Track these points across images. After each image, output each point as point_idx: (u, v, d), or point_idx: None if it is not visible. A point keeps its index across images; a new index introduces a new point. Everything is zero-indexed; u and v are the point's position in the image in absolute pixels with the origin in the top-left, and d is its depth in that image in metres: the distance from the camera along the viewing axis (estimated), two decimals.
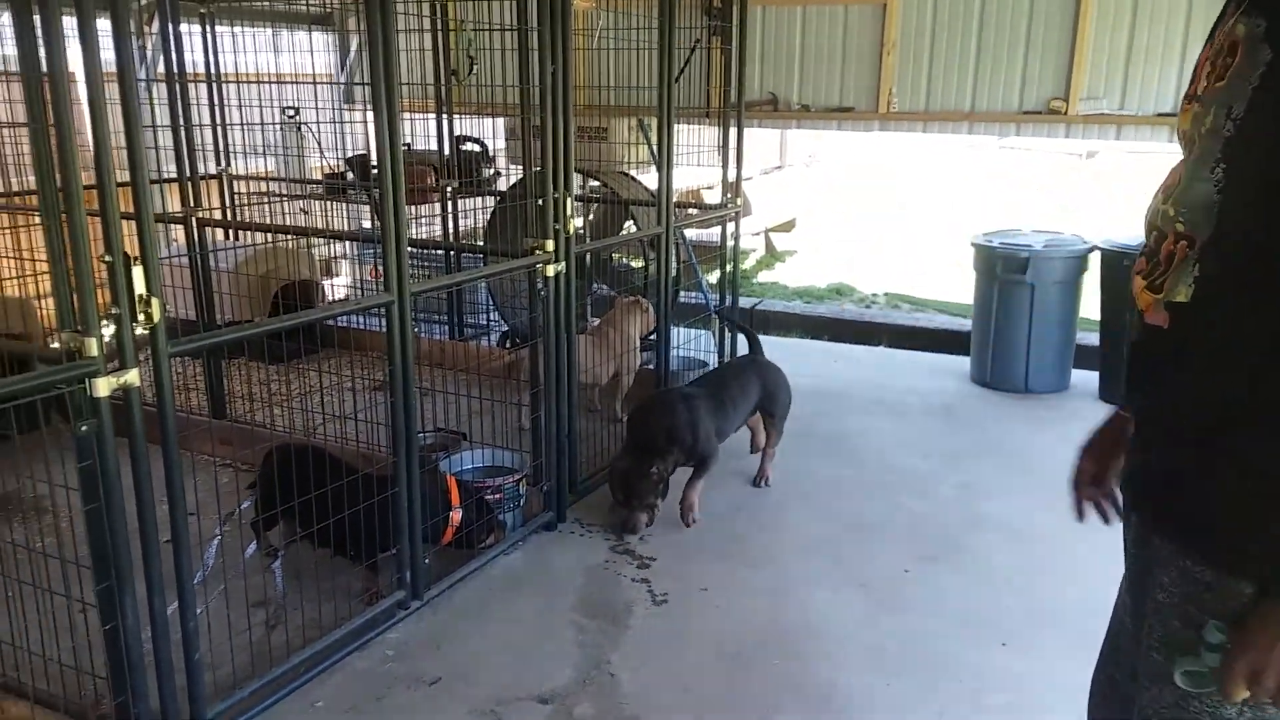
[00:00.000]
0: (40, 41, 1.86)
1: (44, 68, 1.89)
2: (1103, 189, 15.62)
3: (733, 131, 5.16)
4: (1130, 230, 5.60)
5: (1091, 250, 5.49)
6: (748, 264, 10.97)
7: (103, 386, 2.00)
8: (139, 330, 2.05)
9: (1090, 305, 5.72)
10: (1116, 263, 5.33)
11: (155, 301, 2.04)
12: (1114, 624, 1.63)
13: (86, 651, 2.46)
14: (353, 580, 3.22)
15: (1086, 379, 5.68)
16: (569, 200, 3.63)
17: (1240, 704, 1.24)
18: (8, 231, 4.27)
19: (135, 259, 2.00)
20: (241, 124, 4.83)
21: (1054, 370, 5.59)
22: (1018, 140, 18.21)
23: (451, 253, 5.46)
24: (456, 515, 3.32)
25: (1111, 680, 1.61)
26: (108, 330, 2.00)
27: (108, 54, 1.97)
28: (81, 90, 1.94)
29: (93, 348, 1.96)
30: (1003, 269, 5.48)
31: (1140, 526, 1.43)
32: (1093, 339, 5.89)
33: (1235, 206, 1.20)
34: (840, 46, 6.25)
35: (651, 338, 4.91)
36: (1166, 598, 1.32)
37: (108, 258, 1.96)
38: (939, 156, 18.97)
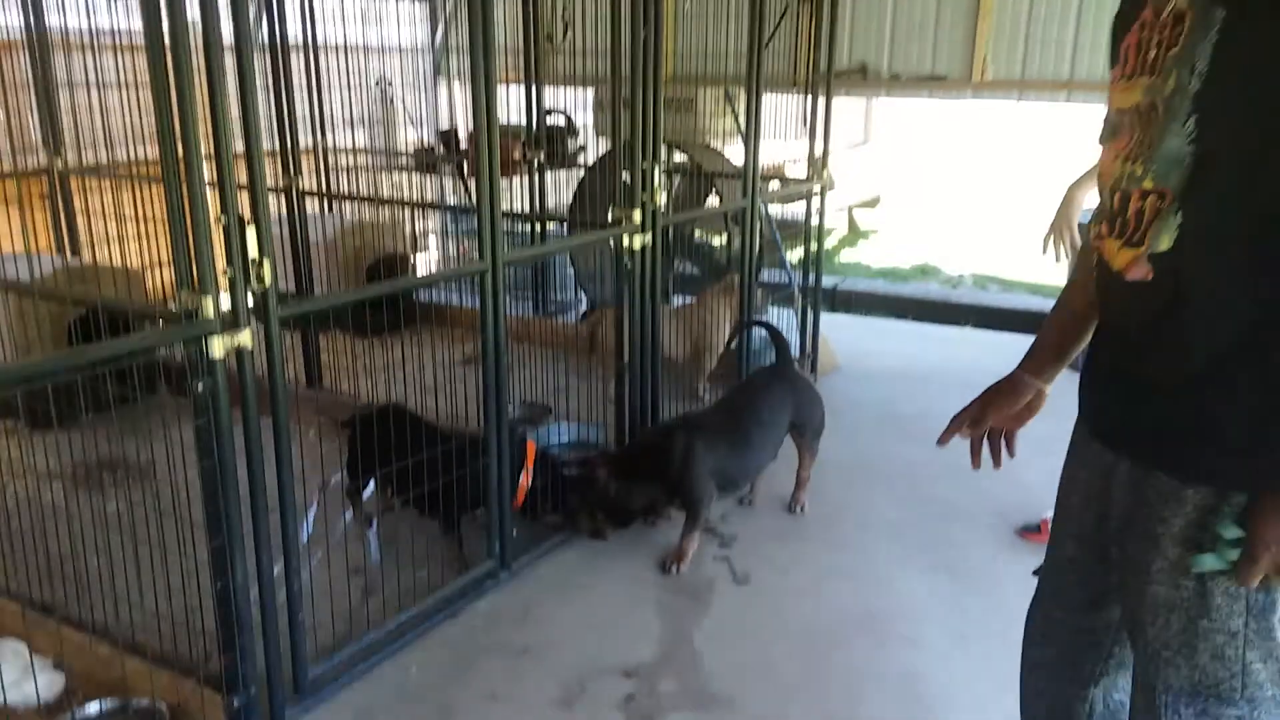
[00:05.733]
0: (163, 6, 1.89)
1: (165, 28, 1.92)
2: None
3: (821, 102, 5.03)
4: None
5: None
6: (829, 242, 10.80)
7: (218, 346, 2.04)
8: (252, 291, 2.09)
9: None
10: None
11: (267, 264, 2.08)
12: (1053, 566, 1.80)
13: (198, 611, 2.54)
14: (445, 549, 3.27)
15: None
16: (657, 170, 3.61)
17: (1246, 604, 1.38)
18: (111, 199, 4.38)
19: (248, 221, 2.04)
20: (331, 97, 4.88)
21: None
22: None
23: (537, 226, 5.47)
24: (526, 478, 3.30)
25: (1049, 618, 1.81)
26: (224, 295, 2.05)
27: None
28: (199, 58, 1.97)
29: (209, 307, 2.01)
30: None
31: (1134, 471, 1.51)
32: None
33: (1214, 147, 1.29)
34: (933, 12, 6.04)
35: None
36: (1165, 529, 1.42)
37: (223, 218, 2.00)
38: (1032, 130, 18.38)
